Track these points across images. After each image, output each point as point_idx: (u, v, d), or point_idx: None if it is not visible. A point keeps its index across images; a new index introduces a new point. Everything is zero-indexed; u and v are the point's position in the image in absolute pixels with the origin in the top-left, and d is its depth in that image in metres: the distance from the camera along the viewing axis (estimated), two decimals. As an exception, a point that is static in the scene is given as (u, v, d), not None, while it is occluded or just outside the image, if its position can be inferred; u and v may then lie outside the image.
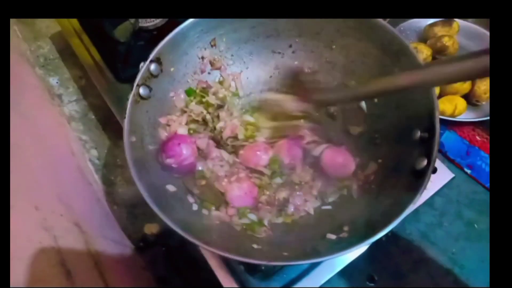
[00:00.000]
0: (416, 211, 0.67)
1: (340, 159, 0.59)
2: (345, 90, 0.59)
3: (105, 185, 0.83)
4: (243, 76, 0.67)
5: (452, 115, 0.72)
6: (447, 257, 0.65)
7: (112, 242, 0.70)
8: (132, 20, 0.83)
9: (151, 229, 0.77)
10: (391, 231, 0.64)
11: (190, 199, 0.56)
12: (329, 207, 0.57)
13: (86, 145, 0.89)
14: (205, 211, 0.55)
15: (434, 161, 0.46)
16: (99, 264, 0.59)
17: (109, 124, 0.90)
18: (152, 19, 0.81)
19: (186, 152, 0.56)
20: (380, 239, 0.63)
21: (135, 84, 0.54)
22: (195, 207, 0.55)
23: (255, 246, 0.50)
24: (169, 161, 0.55)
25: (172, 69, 0.60)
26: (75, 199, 0.65)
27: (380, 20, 0.55)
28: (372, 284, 0.63)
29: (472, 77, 0.40)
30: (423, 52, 0.77)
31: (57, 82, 0.96)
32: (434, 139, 0.46)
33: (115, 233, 0.74)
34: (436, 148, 0.46)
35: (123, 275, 0.66)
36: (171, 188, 0.55)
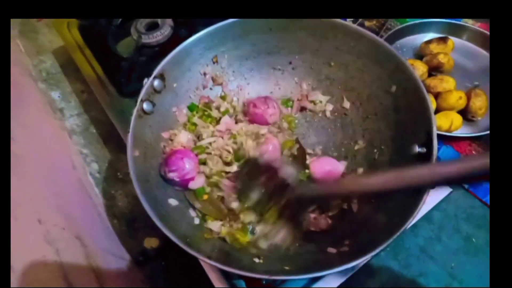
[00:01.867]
0: (414, 225, 0.67)
1: (327, 167, 0.61)
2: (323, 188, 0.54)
3: (106, 198, 0.83)
4: (244, 92, 0.69)
5: (449, 130, 0.74)
6: (446, 272, 0.65)
7: (112, 256, 0.70)
8: (135, 36, 0.85)
9: (151, 243, 0.77)
10: (390, 246, 0.65)
11: (192, 213, 0.57)
12: (329, 221, 0.58)
13: (87, 158, 0.89)
14: (206, 225, 0.56)
15: (433, 176, 0.47)
16: (100, 278, 0.59)
17: (110, 138, 0.91)
18: (155, 36, 0.83)
19: (188, 166, 0.57)
20: (379, 253, 0.65)
21: (139, 100, 0.55)
22: (196, 221, 0.56)
23: (256, 260, 0.50)
24: (171, 175, 0.56)
25: (175, 85, 0.61)
26: (76, 213, 0.65)
27: (378, 38, 0.57)
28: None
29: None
30: (419, 69, 0.78)
31: (59, 96, 0.97)
32: (432, 154, 0.47)
33: (115, 247, 0.74)
34: (434, 162, 0.47)
35: (124, 289, 0.66)
36: (173, 202, 0.55)
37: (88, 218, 0.72)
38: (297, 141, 0.66)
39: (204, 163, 0.60)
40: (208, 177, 0.59)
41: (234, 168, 0.60)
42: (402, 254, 0.67)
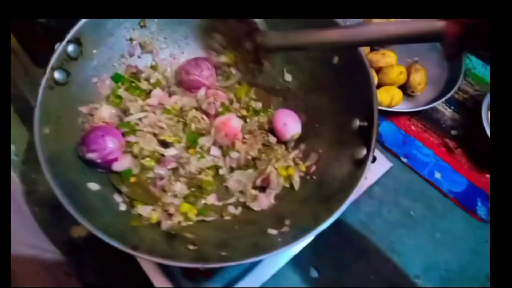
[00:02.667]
0: (356, 201, 0.67)
1: (285, 120, 0.58)
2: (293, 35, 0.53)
3: (25, 184, 0.74)
4: (178, 61, 0.62)
5: (389, 106, 0.74)
6: (386, 246, 0.66)
7: (32, 248, 0.62)
8: (52, -2, 0.74)
9: (78, 231, 0.70)
10: (333, 223, 0.64)
11: (117, 198, 0.50)
12: (273, 200, 0.55)
13: (1, 139, 0.78)
14: (134, 211, 0.50)
15: (374, 150, 0.45)
16: (13, 273, 0.51)
17: (28, 115, 0.79)
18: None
19: (111, 145, 0.50)
20: (323, 230, 0.64)
21: (48, 68, 0.47)
22: (122, 207, 0.50)
23: (191, 247, 0.46)
24: (91, 155, 0.48)
25: (94, 51, 0.53)
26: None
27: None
28: (315, 276, 0.62)
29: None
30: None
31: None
32: (373, 128, 0.45)
33: (36, 237, 0.66)
34: (375, 137, 0.45)
35: (44, 284, 0.59)
36: (93, 186, 0.48)
37: (-1, 207, 0.62)
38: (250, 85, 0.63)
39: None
40: (136, 157, 0.52)
41: (172, 151, 0.54)
42: (344, 230, 0.67)
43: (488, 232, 0.67)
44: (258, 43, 0.54)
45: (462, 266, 0.64)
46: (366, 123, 0.47)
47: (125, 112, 0.55)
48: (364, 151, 0.46)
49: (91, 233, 0.68)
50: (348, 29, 0.47)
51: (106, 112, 0.53)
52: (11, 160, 0.76)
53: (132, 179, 0.52)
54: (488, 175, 0.72)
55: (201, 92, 0.60)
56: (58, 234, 0.69)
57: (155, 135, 0.55)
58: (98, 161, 0.49)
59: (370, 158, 0.44)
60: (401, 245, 0.66)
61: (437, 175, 0.71)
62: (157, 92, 0.57)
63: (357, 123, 0.49)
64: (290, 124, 0.57)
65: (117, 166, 0.51)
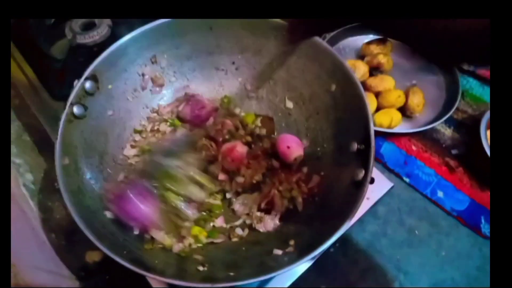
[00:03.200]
0: (361, 221, 0.69)
1: (288, 143, 0.61)
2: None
3: (41, 211, 0.77)
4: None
5: (389, 127, 0.76)
6: (392, 265, 0.67)
7: (48, 273, 0.65)
8: (70, 36, 0.79)
9: (92, 257, 0.72)
10: (338, 242, 0.66)
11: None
12: (278, 222, 0.57)
13: (20, 169, 0.82)
14: (147, 235, 0.53)
15: (371, 172, 0.47)
16: (30, 300, 0.54)
17: (45, 145, 0.84)
18: (91, 36, 0.79)
19: (149, 210, 0.51)
20: (328, 250, 0.65)
21: (68, 103, 0.52)
22: (136, 231, 0.53)
23: (200, 268, 0.48)
24: (132, 223, 0.51)
25: (110, 87, 0.58)
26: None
27: (318, 39, 0.57)
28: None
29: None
30: (361, 69, 0.81)
31: (-14, 103, 0.89)
32: (370, 150, 0.48)
33: (52, 263, 0.69)
34: (372, 158, 0.47)
35: (60, 309, 0.61)
36: (109, 215, 0.51)
37: (18, 235, 0.65)
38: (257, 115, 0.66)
39: None
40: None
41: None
42: (350, 250, 0.68)
43: (493, 249, 0.68)
44: None
45: (469, 283, 0.65)
46: (363, 146, 0.50)
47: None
48: (363, 173, 0.48)
49: (105, 257, 0.71)
50: None
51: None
52: (28, 189, 0.80)
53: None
54: (490, 193, 0.73)
55: (210, 121, 0.64)
56: (73, 260, 0.72)
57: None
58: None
59: (368, 179, 0.47)
60: (407, 263, 0.67)
61: (440, 193, 0.73)
62: (181, 131, 0.62)
63: (355, 146, 0.51)
64: (293, 147, 0.60)
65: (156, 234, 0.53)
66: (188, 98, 0.64)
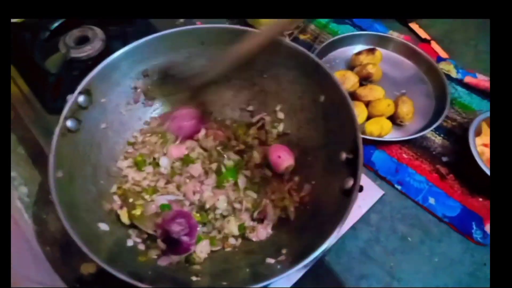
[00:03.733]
0: (354, 228, 0.69)
1: (279, 153, 0.62)
2: (214, 65, 0.59)
3: (36, 224, 0.77)
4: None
5: (380, 136, 0.77)
6: (385, 272, 0.68)
7: (41, 286, 0.65)
8: (64, 50, 0.81)
9: (88, 268, 0.72)
10: (332, 250, 0.66)
11: (125, 235, 0.54)
12: (270, 231, 0.58)
13: (15, 181, 0.82)
14: (141, 246, 0.53)
15: (359, 180, 0.48)
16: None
17: (39, 158, 0.84)
18: (85, 50, 0.80)
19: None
20: (322, 258, 0.66)
21: (61, 117, 0.52)
22: (130, 242, 0.53)
23: (194, 278, 0.49)
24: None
25: (103, 100, 0.59)
26: (-2, 242, 0.59)
27: (305, 51, 0.58)
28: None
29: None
30: (351, 79, 0.82)
31: (-20, 117, 0.90)
32: (358, 159, 0.49)
33: (47, 275, 0.69)
34: (360, 167, 0.48)
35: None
36: (103, 226, 0.52)
37: (13, 247, 0.65)
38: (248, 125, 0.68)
39: None
40: None
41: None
42: (344, 258, 0.68)
43: (485, 256, 0.68)
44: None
45: (461, 289, 0.65)
46: (351, 155, 0.51)
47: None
48: (352, 181, 0.49)
49: (100, 269, 0.71)
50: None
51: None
52: (23, 202, 0.80)
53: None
54: (481, 199, 0.74)
55: (202, 132, 0.65)
56: (68, 272, 0.72)
57: None
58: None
59: (357, 187, 0.48)
60: (400, 270, 0.68)
61: (431, 200, 0.74)
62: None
63: (344, 155, 0.52)
64: (284, 157, 0.61)
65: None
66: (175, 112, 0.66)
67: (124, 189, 0.60)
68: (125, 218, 0.56)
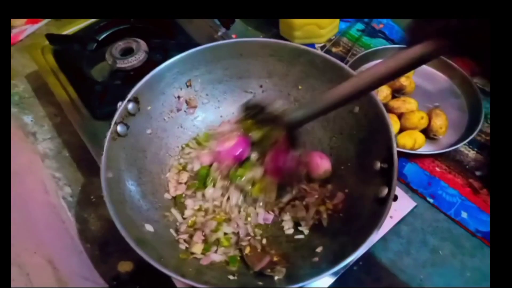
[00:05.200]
0: (384, 239, 0.70)
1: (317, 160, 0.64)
2: (308, 106, 0.54)
3: (78, 222, 0.82)
4: (217, 114, 0.71)
5: (413, 148, 0.78)
6: (416, 284, 0.67)
7: (85, 281, 0.69)
8: (110, 61, 0.86)
9: (125, 267, 0.76)
10: (362, 260, 0.67)
11: (168, 234, 0.57)
12: (301, 236, 0.59)
13: (60, 182, 0.88)
14: (182, 246, 0.57)
15: (394, 189, 0.50)
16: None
17: (83, 161, 0.90)
18: (129, 61, 0.85)
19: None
20: (351, 268, 0.66)
21: (113, 122, 0.57)
22: (171, 238, 0.56)
23: (231, 277, 0.51)
24: None
25: (149, 108, 0.63)
26: (48, 237, 0.64)
27: (340, 63, 0.61)
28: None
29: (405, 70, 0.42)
30: (383, 91, 0.83)
31: (31, 120, 0.97)
32: (393, 169, 0.50)
33: (88, 271, 0.73)
34: (395, 176, 0.50)
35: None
36: (149, 227, 0.56)
37: (60, 243, 0.70)
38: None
39: None
40: None
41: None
42: (373, 268, 0.68)
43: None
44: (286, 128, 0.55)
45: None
46: (386, 165, 0.52)
47: None
48: (386, 190, 0.50)
49: (136, 268, 0.75)
50: (347, 84, 0.47)
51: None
52: (67, 201, 0.85)
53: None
54: (515, 215, 0.73)
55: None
56: (106, 269, 0.76)
57: None
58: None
59: (392, 196, 0.49)
60: (431, 284, 0.67)
61: (464, 214, 0.73)
62: None
63: (378, 165, 0.54)
64: (323, 161, 0.64)
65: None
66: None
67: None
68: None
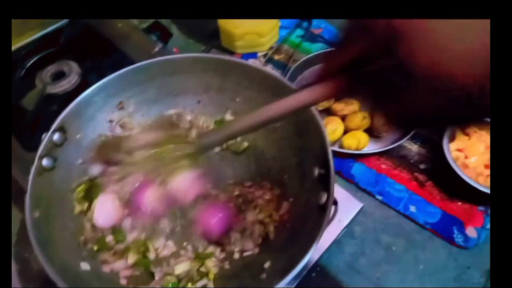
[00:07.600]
0: (339, 242, 0.70)
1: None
2: (225, 128, 0.48)
3: (18, 264, 0.76)
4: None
5: (357, 149, 0.79)
6: (373, 284, 0.68)
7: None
8: (40, 87, 0.81)
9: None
10: (319, 266, 0.67)
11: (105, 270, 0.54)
12: (250, 252, 0.58)
13: (-5, 222, 0.82)
14: (123, 281, 0.53)
15: (333, 194, 0.49)
16: None
17: (20, 196, 0.84)
18: (61, 85, 0.81)
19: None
20: (310, 275, 0.66)
21: (37, 157, 0.53)
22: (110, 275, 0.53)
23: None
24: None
25: (78, 136, 0.59)
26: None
27: (273, 72, 0.61)
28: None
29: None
30: (325, 95, 0.84)
31: (-41, 158, 0.89)
32: (330, 174, 0.50)
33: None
34: (332, 181, 0.50)
35: None
36: (85, 266, 0.52)
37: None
38: None
39: None
40: None
41: None
42: (331, 273, 0.68)
43: (469, 259, 0.69)
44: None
45: (447, 295, 0.66)
46: (323, 171, 0.52)
47: None
48: (325, 196, 0.50)
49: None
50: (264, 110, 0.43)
51: None
52: (6, 242, 0.79)
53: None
54: (459, 203, 0.75)
55: None
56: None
57: None
58: None
59: (331, 201, 0.49)
60: (387, 281, 0.68)
61: (412, 208, 0.75)
62: None
63: (316, 171, 0.54)
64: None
65: None
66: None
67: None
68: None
